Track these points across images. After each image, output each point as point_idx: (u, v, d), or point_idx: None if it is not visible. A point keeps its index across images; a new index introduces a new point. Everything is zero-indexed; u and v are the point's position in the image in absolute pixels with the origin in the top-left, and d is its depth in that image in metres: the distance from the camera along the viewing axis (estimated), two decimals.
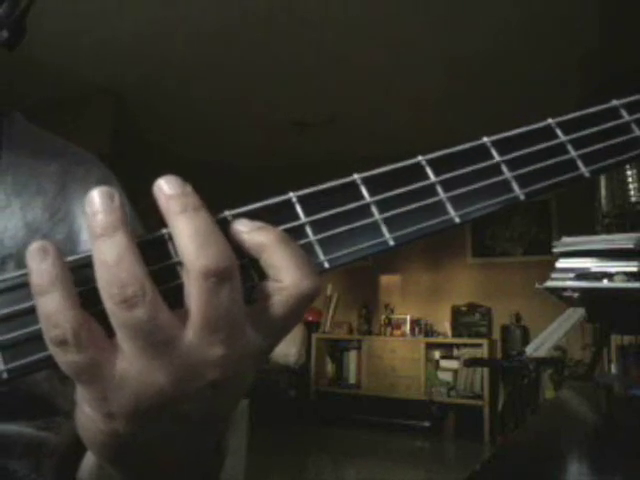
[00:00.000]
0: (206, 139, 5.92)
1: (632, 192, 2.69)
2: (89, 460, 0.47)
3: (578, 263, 1.89)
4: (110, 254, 0.28)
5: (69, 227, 0.57)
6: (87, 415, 0.31)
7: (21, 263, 0.51)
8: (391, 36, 3.98)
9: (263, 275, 0.31)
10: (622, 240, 1.85)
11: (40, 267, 0.29)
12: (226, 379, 0.30)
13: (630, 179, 2.65)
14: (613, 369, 2.05)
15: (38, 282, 0.29)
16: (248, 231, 0.31)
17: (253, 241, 0.31)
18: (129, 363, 0.29)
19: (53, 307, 0.28)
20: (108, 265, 0.28)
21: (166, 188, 0.30)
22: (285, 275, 0.30)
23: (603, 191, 3.06)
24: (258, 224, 0.31)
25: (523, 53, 4.12)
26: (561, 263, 1.93)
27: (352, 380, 6.14)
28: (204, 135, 5.82)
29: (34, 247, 0.29)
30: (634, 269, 1.77)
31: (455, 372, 5.66)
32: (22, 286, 0.31)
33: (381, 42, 4.06)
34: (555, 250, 1.96)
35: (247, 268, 0.31)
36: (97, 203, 0.29)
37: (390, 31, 3.92)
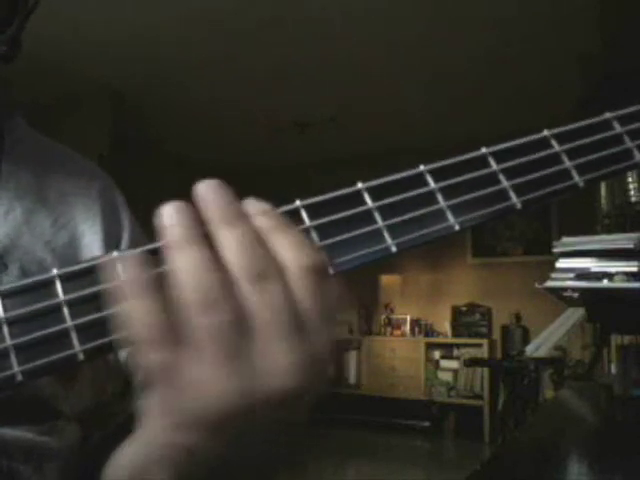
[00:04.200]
0: (206, 139, 5.92)
1: (632, 192, 2.69)
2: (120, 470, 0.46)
3: (578, 263, 1.89)
4: (193, 263, 0.30)
5: (71, 233, 0.57)
6: (153, 426, 0.32)
7: (24, 268, 0.52)
8: (392, 35, 3.98)
9: None
10: (622, 240, 1.85)
11: (131, 276, 0.30)
12: (297, 389, 0.30)
13: (630, 179, 2.65)
14: (613, 369, 2.05)
15: (129, 289, 0.30)
16: (253, 214, 0.32)
17: (257, 224, 0.31)
18: (203, 369, 0.30)
19: (144, 310, 0.30)
20: (190, 271, 0.29)
21: (207, 195, 0.31)
22: (286, 256, 0.31)
23: (603, 191, 3.06)
24: (264, 206, 0.32)
25: (524, 52, 4.12)
26: (561, 263, 1.92)
27: (352, 380, 6.14)
28: (204, 135, 5.82)
29: (125, 257, 0.31)
30: (634, 269, 1.76)
31: (455, 372, 5.66)
32: (33, 289, 0.31)
33: (382, 41, 4.06)
34: (555, 250, 1.96)
35: None
36: (172, 216, 0.31)
37: (391, 30, 3.92)
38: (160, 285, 0.30)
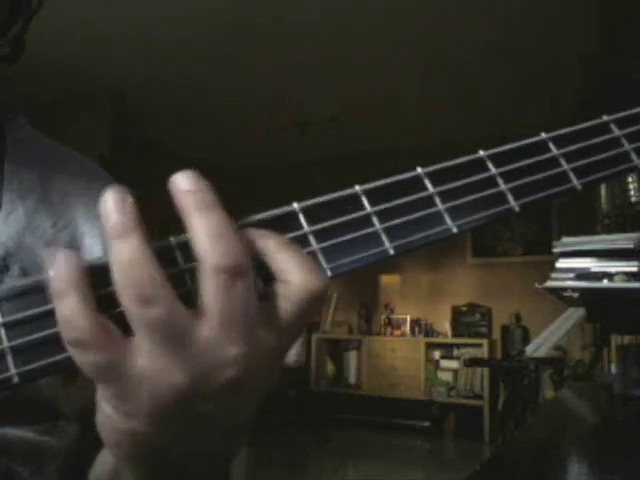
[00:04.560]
0: (207, 139, 5.92)
1: (632, 192, 2.69)
2: (102, 465, 0.47)
3: (578, 263, 1.89)
4: (126, 254, 0.29)
5: (72, 233, 0.57)
6: (106, 414, 0.32)
7: (26, 269, 0.52)
8: (393, 34, 3.98)
9: (269, 278, 0.32)
10: (622, 240, 1.85)
11: (59, 272, 0.30)
12: (242, 380, 0.30)
13: (630, 179, 2.66)
14: (613, 369, 2.05)
15: (56, 286, 0.30)
16: (253, 239, 0.32)
17: (259, 247, 0.32)
18: (147, 361, 0.30)
19: (70, 310, 0.29)
20: (124, 265, 0.29)
21: (182, 184, 0.31)
22: (293, 276, 0.31)
23: (603, 191, 3.06)
24: (262, 232, 0.32)
25: (524, 52, 4.12)
26: (561, 263, 1.93)
27: (352, 380, 6.14)
28: (205, 135, 5.82)
29: (55, 255, 0.30)
30: (634, 269, 1.77)
31: (455, 372, 5.66)
32: (32, 292, 0.31)
33: (383, 40, 4.06)
34: (555, 250, 1.96)
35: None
36: (110, 205, 0.30)
37: (392, 29, 3.92)
38: (103, 282, 0.30)
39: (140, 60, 4.36)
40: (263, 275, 0.32)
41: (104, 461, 0.46)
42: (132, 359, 0.30)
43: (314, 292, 0.31)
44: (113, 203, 0.30)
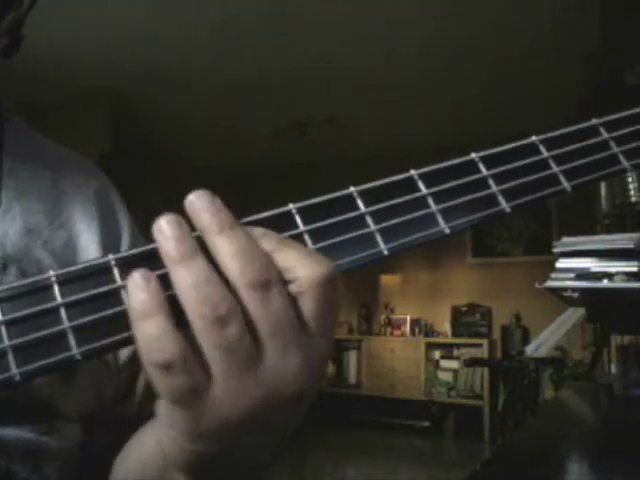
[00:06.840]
0: (207, 139, 5.92)
1: (632, 192, 2.68)
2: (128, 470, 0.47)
3: (578, 263, 1.90)
4: (198, 276, 0.29)
5: (69, 233, 0.57)
6: (171, 436, 0.33)
7: (23, 268, 0.52)
8: (391, 36, 3.98)
9: None
10: (622, 240, 1.85)
11: (143, 293, 0.29)
12: (306, 388, 0.31)
13: (630, 179, 2.65)
14: (613, 369, 2.05)
15: (142, 307, 0.29)
16: (259, 240, 0.32)
17: (263, 249, 0.31)
18: (222, 385, 0.30)
19: (157, 331, 0.29)
20: (198, 286, 0.29)
21: (199, 204, 0.31)
22: (298, 270, 0.31)
23: (603, 191, 3.06)
24: (261, 231, 0.32)
25: (526, 53, 4.13)
26: (561, 263, 1.93)
27: (352, 380, 6.14)
28: (204, 135, 5.82)
29: (137, 275, 0.30)
30: (634, 269, 1.77)
31: (455, 372, 5.66)
32: (32, 292, 0.31)
33: (381, 42, 4.07)
34: (555, 250, 1.96)
35: None
36: (167, 230, 0.30)
37: (391, 32, 3.92)
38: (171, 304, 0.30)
39: (140, 61, 4.36)
40: None
41: (133, 459, 0.45)
42: (210, 384, 0.30)
43: (323, 279, 0.30)
44: (169, 227, 0.30)
